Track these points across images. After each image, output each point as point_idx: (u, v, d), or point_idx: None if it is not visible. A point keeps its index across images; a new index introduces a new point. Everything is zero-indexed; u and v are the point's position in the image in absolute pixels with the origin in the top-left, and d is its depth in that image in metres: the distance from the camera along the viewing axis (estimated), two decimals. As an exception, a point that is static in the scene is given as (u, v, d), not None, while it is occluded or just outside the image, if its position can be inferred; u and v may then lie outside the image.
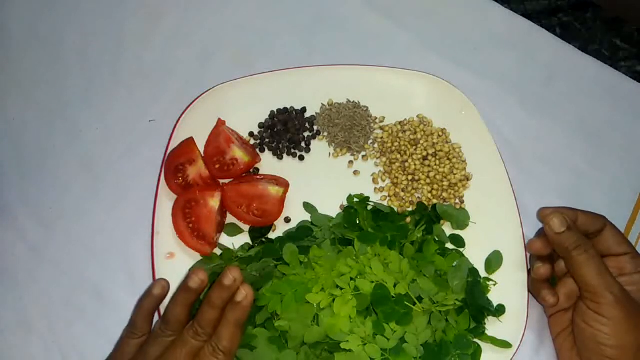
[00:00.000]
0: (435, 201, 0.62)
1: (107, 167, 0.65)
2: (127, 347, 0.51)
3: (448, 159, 0.64)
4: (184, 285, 0.50)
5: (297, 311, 0.52)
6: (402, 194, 0.63)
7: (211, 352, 0.48)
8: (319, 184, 0.63)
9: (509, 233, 0.60)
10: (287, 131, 0.65)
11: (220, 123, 0.64)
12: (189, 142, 0.62)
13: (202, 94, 0.64)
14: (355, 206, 0.60)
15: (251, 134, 0.65)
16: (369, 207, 0.61)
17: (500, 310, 0.56)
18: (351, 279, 0.54)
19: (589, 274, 0.50)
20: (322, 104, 0.66)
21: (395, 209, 0.62)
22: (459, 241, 0.60)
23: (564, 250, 0.52)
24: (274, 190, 0.60)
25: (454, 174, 0.63)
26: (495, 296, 0.57)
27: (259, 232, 0.60)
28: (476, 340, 0.55)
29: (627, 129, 0.68)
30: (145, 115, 0.67)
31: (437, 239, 0.59)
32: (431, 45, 0.70)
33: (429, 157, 0.64)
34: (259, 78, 0.65)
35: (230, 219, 0.61)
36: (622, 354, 0.49)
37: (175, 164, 0.61)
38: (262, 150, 0.65)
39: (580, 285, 0.52)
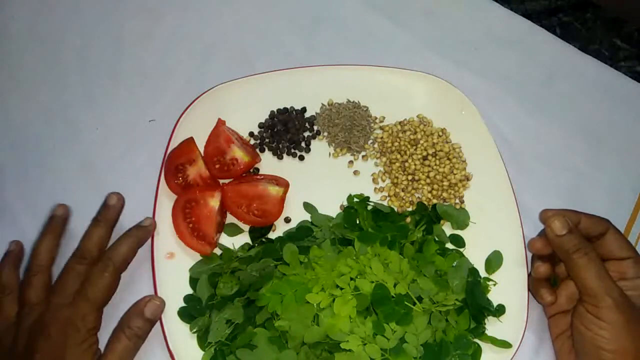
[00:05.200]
0: (435, 201, 0.62)
1: (107, 167, 0.65)
2: (4, 307, 0.55)
3: (448, 159, 0.64)
4: (50, 217, 0.59)
5: (297, 311, 0.52)
6: (402, 194, 0.63)
7: (102, 268, 0.54)
8: (319, 184, 0.63)
9: (509, 233, 0.59)
10: (287, 131, 0.65)
11: (220, 123, 0.64)
12: (189, 142, 0.62)
13: (202, 94, 0.64)
14: (355, 206, 0.60)
15: (251, 134, 0.65)
16: (369, 207, 0.61)
17: (500, 310, 0.56)
18: (351, 279, 0.54)
19: (589, 277, 0.50)
20: (322, 104, 0.66)
21: (395, 209, 0.62)
22: (459, 241, 0.60)
23: (564, 253, 0.52)
24: (274, 190, 0.60)
25: (454, 174, 0.63)
26: (495, 296, 0.57)
27: (259, 232, 0.60)
28: (476, 340, 0.55)
29: (627, 129, 0.68)
30: (145, 115, 0.67)
31: (437, 239, 0.59)
32: (431, 45, 0.70)
33: (429, 157, 0.64)
34: (259, 78, 0.65)
35: (230, 219, 0.61)
36: (620, 359, 0.49)
37: (175, 164, 0.61)
38: (262, 150, 0.65)
39: (579, 288, 0.51)
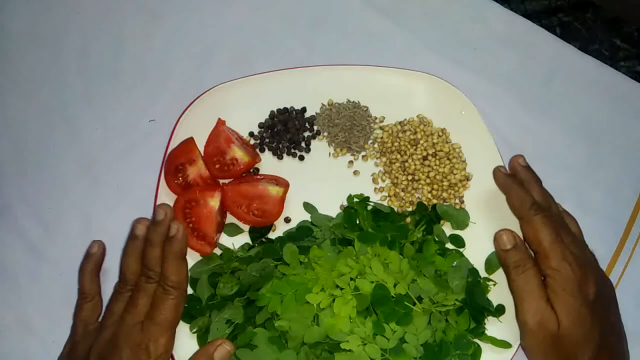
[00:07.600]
0: (435, 201, 0.62)
1: (107, 167, 0.65)
2: (84, 313, 0.55)
3: (448, 159, 0.64)
4: (130, 235, 0.55)
5: (297, 311, 0.53)
6: (402, 194, 0.63)
7: (162, 292, 0.52)
8: (319, 184, 0.63)
9: (509, 233, 0.59)
10: (287, 131, 0.65)
11: (220, 123, 0.64)
12: (189, 142, 0.62)
13: (202, 94, 0.64)
14: (355, 206, 0.60)
15: (251, 134, 0.65)
16: (369, 207, 0.61)
17: (500, 310, 0.56)
18: (351, 279, 0.54)
19: (518, 295, 0.53)
20: (322, 104, 0.66)
21: (395, 209, 0.62)
22: (459, 241, 0.60)
23: (506, 267, 0.55)
24: (274, 190, 0.60)
25: (454, 174, 0.63)
26: (495, 296, 0.57)
27: (259, 232, 0.61)
28: (476, 340, 0.55)
29: (627, 129, 0.68)
30: (145, 115, 0.67)
31: (437, 239, 0.59)
32: (431, 45, 0.70)
33: (429, 157, 0.64)
34: (259, 78, 0.65)
35: (230, 219, 0.61)
36: None
37: (175, 164, 0.61)
38: (262, 150, 0.65)
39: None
